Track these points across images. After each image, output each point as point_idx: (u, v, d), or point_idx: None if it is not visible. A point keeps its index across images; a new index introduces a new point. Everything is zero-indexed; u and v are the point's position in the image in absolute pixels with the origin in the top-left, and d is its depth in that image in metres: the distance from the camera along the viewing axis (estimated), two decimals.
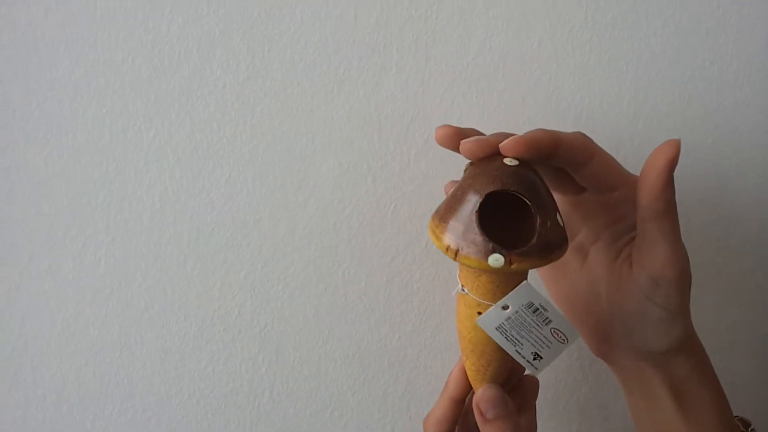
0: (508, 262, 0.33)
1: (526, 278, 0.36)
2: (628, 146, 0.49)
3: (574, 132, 0.38)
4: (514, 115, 0.48)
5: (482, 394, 0.38)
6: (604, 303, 0.41)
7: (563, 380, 0.53)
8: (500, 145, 0.35)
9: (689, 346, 0.40)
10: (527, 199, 0.34)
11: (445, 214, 0.35)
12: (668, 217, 0.37)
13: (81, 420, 0.50)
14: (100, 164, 0.47)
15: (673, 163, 0.36)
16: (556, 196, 0.40)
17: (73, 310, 0.49)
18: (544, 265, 0.35)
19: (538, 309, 0.37)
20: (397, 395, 0.52)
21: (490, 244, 0.33)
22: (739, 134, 0.51)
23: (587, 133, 0.38)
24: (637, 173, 0.38)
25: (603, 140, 0.48)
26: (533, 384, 0.42)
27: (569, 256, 0.43)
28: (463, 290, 0.37)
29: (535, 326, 0.37)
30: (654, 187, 0.36)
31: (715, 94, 0.50)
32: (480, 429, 0.39)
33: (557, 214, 0.35)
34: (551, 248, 0.34)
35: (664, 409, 0.41)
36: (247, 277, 0.49)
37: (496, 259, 0.33)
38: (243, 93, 0.47)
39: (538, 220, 0.34)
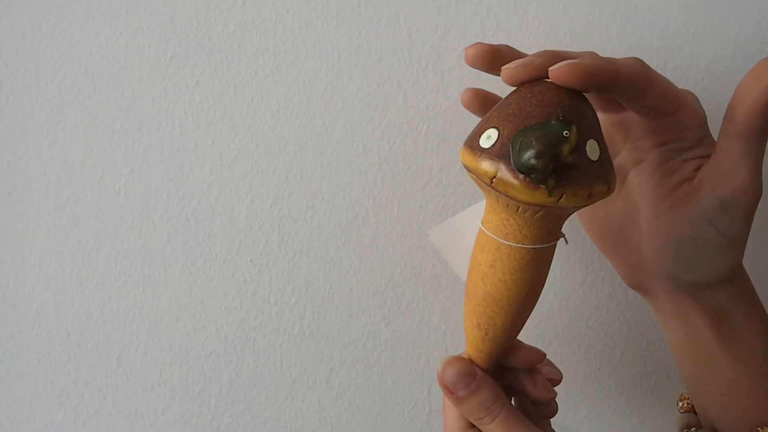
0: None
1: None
2: (677, 55, 0.51)
3: (628, 59, 0.36)
4: (554, 26, 0.49)
5: (443, 371, 0.38)
6: (643, 229, 0.42)
7: (606, 306, 0.55)
8: (551, 69, 0.33)
9: (736, 276, 0.41)
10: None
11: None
12: (761, 138, 0.36)
13: (107, 357, 0.53)
14: (115, 90, 0.49)
15: None
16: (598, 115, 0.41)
17: (94, 244, 0.51)
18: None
19: None
20: (432, 325, 0.54)
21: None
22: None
23: (631, 49, 0.39)
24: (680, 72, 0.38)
25: (649, 50, 0.50)
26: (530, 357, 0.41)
27: None
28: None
29: None
30: (756, 104, 0.35)
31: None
32: (456, 407, 0.39)
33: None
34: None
35: (704, 342, 0.42)
36: (274, 205, 0.51)
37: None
38: (264, 9, 0.48)
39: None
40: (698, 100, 0.40)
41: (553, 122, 0.31)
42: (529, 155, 0.30)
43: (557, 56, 0.35)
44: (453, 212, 0.52)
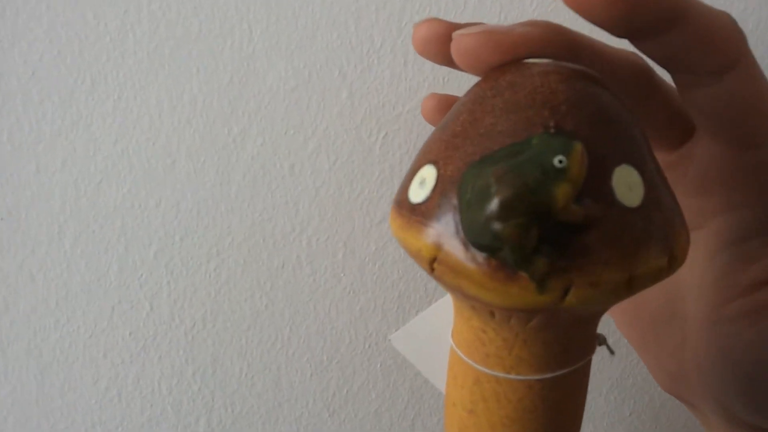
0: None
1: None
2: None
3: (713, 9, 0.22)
4: None
5: None
6: (689, 331, 0.28)
7: (632, 375, 0.41)
8: None
9: None
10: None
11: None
12: None
13: None
14: None
15: None
16: None
17: None
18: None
19: None
20: (396, 412, 0.39)
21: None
22: None
23: None
24: None
25: None
26: None
27: None
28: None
29: None
30: None
31: None
32: None
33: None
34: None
35: None
36: (160, 254, 0.35)
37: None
38: None
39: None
40: None
41: (535, 140, 0.17)
42: (487, 215, 0.16)
43: (558, 31, 0.21)
44: None
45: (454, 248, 0.17)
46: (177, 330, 0.37)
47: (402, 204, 0.19)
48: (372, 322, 0.38)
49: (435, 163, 0.18)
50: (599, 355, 0.40)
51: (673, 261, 0.18)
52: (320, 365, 0.38)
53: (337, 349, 0.38)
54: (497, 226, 0.16)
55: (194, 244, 0.35)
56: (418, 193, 0.18)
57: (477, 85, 0.19)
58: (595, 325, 0.20)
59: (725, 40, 0.21)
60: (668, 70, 0.22)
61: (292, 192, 0.35)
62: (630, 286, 0.17)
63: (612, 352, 0.23)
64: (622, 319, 0.31)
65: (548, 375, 0.19)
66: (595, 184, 0.17)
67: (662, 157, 0.27)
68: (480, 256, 0.16)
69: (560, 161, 0.16)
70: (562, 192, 0.16)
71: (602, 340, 0.22)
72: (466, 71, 0.20)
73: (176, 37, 0.33)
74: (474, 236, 0.16)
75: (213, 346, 0.37)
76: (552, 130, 0.17)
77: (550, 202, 0.16)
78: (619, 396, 0.41)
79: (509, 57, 0.20)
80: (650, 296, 0.29)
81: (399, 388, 0.39)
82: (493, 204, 0.15)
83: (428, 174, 0.18)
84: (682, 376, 0.28)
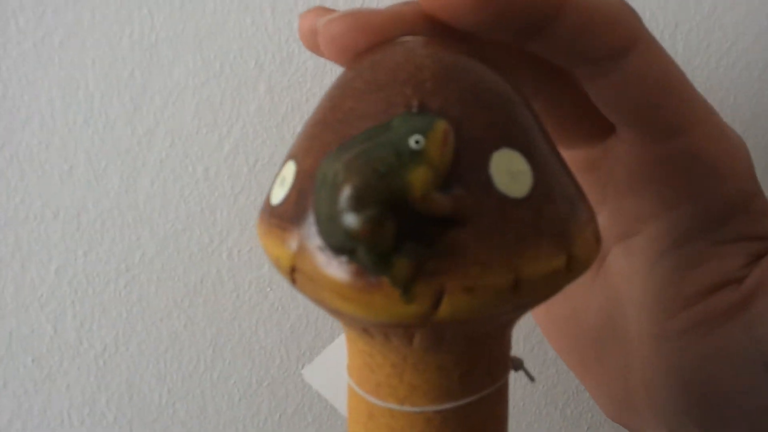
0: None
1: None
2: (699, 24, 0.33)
3: None
4: None
5: None
6: (634, 349, 0.25)
7: None
8: None
9: None
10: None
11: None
12: None
13: None
14: None
15: None
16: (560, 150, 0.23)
17: None
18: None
19: None
20: None
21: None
22: None
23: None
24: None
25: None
26: None
27: None
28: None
29: None
30: None
31: None
32: None
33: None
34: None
35: None
36: (62, 271, 0.31)
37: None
38: None
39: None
40: (728, 126, 0.22)
41: (395, 122, 0.15)
42: (337, 209, 0.14)
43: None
44: None
45: (312, 253, 0.14)
46: (86, 355, 0.33)
47: (265, 207, 0.16)
48: (305, 339, 0.34)
49: (295, 158, 0.16)
50: (554, 367, 0.38)
51: (574, 262, 0.15)
52: (249, 388, 0.34)
53: (267, 370, 0.34)
54: (347, 220, 0.13)
55: (100, 259, 0.31)
56: (278, 193, 0.16)
57: (343, 70, 0.17)
58: (502, 344, 0.17)
59: (615, 23, 0.19)
60: (565, 67, 0.20)
61: (208, 199, 0.31)
62: (517, 291, 0.14)
63: (532, 378, 0.20)
64: (559, 343, 0.28)
65: (449, 405, 0.17)
66: (468, 170, 0.14)
67: (587, 153, 0.24)
68: (338, 261, 0.14)
69: (417, 142, 0.14)
70: (418, 177, 0.13)
71: (519, 364, 0.19)
72: (339, 64, 0.17)
73: (67, 24, 0.29)
74: (327, 236, 0.14)
75: (128, 371, 0.33)
76: (414, 109, 0.15)
77: (406, 189, 0.13)
78: (576, 410, 0.38)
79: (379, 39, 0.17)
80: (588, 316, 0.26)
81: (337, 411, 0.36)
82: (342, 195, 0.13)
83: (288, 171, 0.15)
84: (629, 402, 0.25)
